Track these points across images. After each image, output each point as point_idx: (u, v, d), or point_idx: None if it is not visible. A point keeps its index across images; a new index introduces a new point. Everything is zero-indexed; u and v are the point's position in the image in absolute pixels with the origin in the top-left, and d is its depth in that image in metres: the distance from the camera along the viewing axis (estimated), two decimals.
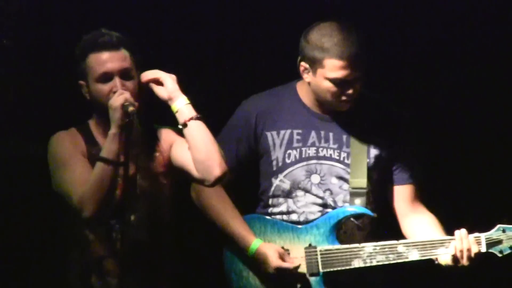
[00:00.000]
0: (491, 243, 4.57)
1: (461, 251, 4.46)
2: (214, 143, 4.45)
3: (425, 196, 4.85)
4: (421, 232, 4.67)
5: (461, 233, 4.48)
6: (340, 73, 4.47)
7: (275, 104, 4.71)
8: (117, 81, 4.46)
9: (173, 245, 4.66)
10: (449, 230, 4.62)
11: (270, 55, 5.90)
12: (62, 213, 4.65)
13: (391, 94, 5.23)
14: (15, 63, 6.10)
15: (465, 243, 4.47)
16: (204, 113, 4.47)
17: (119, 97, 4.37)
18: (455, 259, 4.46)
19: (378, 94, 4.72)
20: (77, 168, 4.52)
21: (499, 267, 5.46)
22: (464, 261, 4.46)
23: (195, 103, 4.49)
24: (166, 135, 4.63)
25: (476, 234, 4.49)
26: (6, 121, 6.14)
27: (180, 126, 4.48)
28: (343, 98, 4.51)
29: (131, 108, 4.34)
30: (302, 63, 4.53)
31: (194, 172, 4.48)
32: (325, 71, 4.49)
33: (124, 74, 4.47)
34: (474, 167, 6.11)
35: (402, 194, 4.76)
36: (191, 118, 4.48)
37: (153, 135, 4.65)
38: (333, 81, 4.48)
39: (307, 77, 4.53)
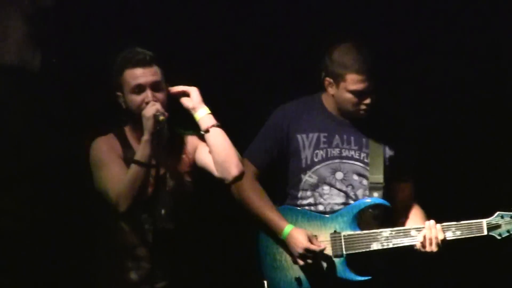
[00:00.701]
0: (491, 227, 4.65)
1: (430, 239, 4.62)
2: (231, 147, 4.68)
3: (423, 192, 4.98)
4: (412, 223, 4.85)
5: (429, 223, 4.65)
6: (359, 86, 4.70)
7: (304, 111, 4.88)
8: (148, 92, 4.60)
9: (195, 234, 4.78)
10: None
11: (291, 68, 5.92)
12: (102, 208, 4.76)
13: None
14: (62, 78, 6.17)
15: (433, 232, 4.62)
16: (225, 120, 4.65)
17: (151, 107, 4.52)
18: (423, 245, 4.64)
19: (388, 103, 4.95)
20: (114, 169, 4.65)
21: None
22: (433, 247, 4.64)
23: (218, 111, 4.67)
24: (191, 140, 4.77)
25: (444, 224, 4.66)
26: (54, 126, 6.13)
27: (202, 132, 4.68)
28: (362, 107, 4.72)
29: (161, 118, 4.49)
30: (327, 79, 4.77)
31: (215, 172, 4.69)
32: (346, 85, 4.71)
33: (155, 87, 4.62)
34: (473, 166, 6.13)
35: (400, 190, 4.92)
36: (212, 126, 4.69)
37: (180, 140, 4.79)
38: (353, 92, 4.71)
39: (331, 90, 4.77)
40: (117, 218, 4.67)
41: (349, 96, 4.70)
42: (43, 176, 6.04)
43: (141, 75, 4.62)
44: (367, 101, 4.70)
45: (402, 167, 4.86)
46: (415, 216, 4.86)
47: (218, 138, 4.68)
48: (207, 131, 4.68)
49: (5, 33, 6.23)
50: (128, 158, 4.64)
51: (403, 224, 4.81)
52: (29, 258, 5.95)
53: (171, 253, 4.69)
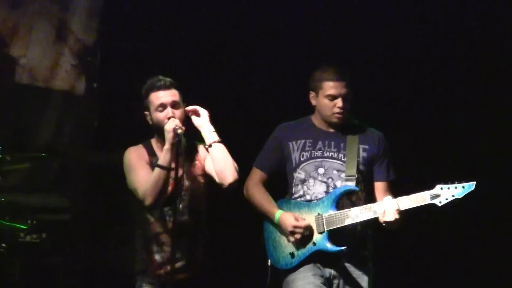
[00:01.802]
0: (433, 196, 4.84)
1: (389, 210, 4.79)
2: (228, 159, 4.79)
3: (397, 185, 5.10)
4: None
5: (387, 198, 4.85)
6: (333, 91, 4.96)
7: (296, 125, 5.11)
8: (169, 110, 4.76)
9: (206, 224, 4.88)
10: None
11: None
12: (131, 203, 4.85)
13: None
14: (101, 100, 6.41)
15: (391, 204, 4.80)
16: (229, 136, 4.81)
17: (172, 123, 4.68)
18: (384, 216, 4.81)
19: (359, 120, 5.10)
20: (142, 172, 4.78)
21: None
22: (391, 216, 4.77)
23: (221, 129, 4.83)
24: (202, 149, 4.91)
25: (398, 198, 4.84)
26: (95, 138, 6.44)
27: (206, 146, 4.81)
28: (336, 110, 4.99)
29: (179, 131, 4.65)
30: (310, 93, 5.05)
31: (216, 178, 4.81)
32: (324, 91, 4.98)
33: (174, 105, 4.78)
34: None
35: (378, 187, 5.05)
36: (214, 142, 4.78)
37: (194, 148, 4.93)
38: (329, 96, 4.97)
39: (314, 101, 5.05)
40: (145, 211, 4.77)
41: (326, 101, 4.98)
42: (90, 178, 6.37)
43: (163, 96, 4.75)
44: (340, 104, 4.98)
45: (375, 170, 5.04)
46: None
47: (219, 152, 4.76)
48: (210, 146, 4.78)
49: (57, 64, 6.29)
50: (153, 163, 4.76)
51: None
52: (81, 244, 6.25)
53: (188, 239, 4.76)
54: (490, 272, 6.19)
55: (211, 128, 4.78)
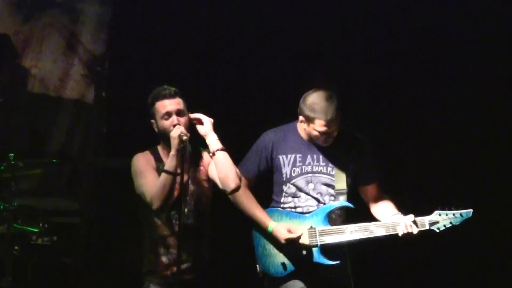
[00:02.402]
0: (431, 223, 4.87)
1: (406, 233, 4.84)
2: (231, 166, 4.82)
3: (387, 189, 5.10)
4: (385, 214, 5.01)
5: (405, 220, 4.86)
6: (324, 129, 4.96)
7: (284, 137, 5.09)
8: (174, 118, 4.80)
9: (210, 226, 4.91)
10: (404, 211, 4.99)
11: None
12: (139, 207, 4.89)
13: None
14: (110, 108, 6.48)
15: (409, 229, 4.83)
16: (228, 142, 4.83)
17: (177, 130, 4.72)
18: (402, 236, 4.88)
19: (347, 127, 5.08)
20: (149, 177, 4.81)
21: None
22: (409, 236, 4.83)
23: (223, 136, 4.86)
24: (207, 155, 4.94)
25: (421, 218, 4.86)
26: (104, 145, 6.54)
27: (210, 154, 4.85)
28: (325, 141, 5.02)
29: (184, 137, 4.69)
30: (300, 117, 5.03)
31: (219, 184, 4.86)
32: (315, 126, 4.97)
33: (179, 113, 4.81)
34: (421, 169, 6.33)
35: (369, 190, 5.09)
36: (218, 150, 4.81)
37: (199, 154, 4.96)
38: (319, 132, 4.99)
39: (304, 125, 5.04)
40: (152, 215, 4.80)
41: (316, 133, 4.99)
42: (100, 183, 6.43)
43: (168, 104, 4.78)
44: (329, 140, 5.00)
45: (364, 175, 5.07)
46: (383, 211, 5.04)
47: (222, 160, 4.77)
48: (213, 154, 4.80)
49: (68, 74, 6.37)
50: (159, 169, 4.79)
51: (375, 216, 5.06)
52: (91, 245, 6.31)
53: (194, 241, 4.79)
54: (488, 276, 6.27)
55: (214, 136, 4.79)
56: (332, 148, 5.00)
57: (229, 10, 6.35)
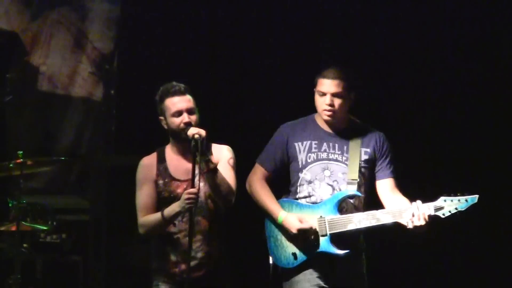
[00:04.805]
0: (436, 209, 4.79)
1: (418, 215, 4.75)
2: (222, 186, 4.69)
3: (401, 186, 5.04)
4: (395, 205, 4.90)
5: (417, 203, 4.81)
6: (323, 87, 4.91)
7: (300, 127, 5.03)
8: (185, 116, 4.71)
9: (223, 223, 4.83)
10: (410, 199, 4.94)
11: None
12: None
13: None
14: (118, 106, 6.45)
15: (420, 209, 4.77)
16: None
17: (193, 130, 4.59)
18: (412, 221, 4.77)
19: (361, 121, 5.05)
20: (143, 194, 4.77)
21: None
22: (420, 221, 4.74)
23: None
24: (217, 151, 4.82)
25: (427, 203, 4.80)
26: (112, 142, 6.52)
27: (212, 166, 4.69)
28: (323, 107, 4.92)
29: (196, 136, 4.58)
30: (315, 90, 4.97)
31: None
32: (317, 87, 4.94)
33: (189, 111, 4.73)
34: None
35: (384, 185, 5.00)
36: (207, 170, 4.67)
37: (209, 150, 4.79)
38: (319, 92, 4.93)
39: (316, 97, 4.96)
40: None
41: (317, 96, 4.95)
42: (108, 181, 6.38)
43: (178, 102, 4.70)
44: (327, 101, 4.91)
45: (378, 169, 4.98)
46: (395, 203, 4.94)
47: (212, 181, 4.68)
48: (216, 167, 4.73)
49: (76, 72, 6.34)
50: (159, 171, 4.75)
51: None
52: (100, 243, 6.25)
53: (203, 239, 4.72)
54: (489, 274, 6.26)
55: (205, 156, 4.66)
56: (348, 138, 4.95)
57: (242, 6, 6.33)
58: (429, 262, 6.32)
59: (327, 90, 4.88)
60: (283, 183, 5.02)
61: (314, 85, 4.95)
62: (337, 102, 4.90)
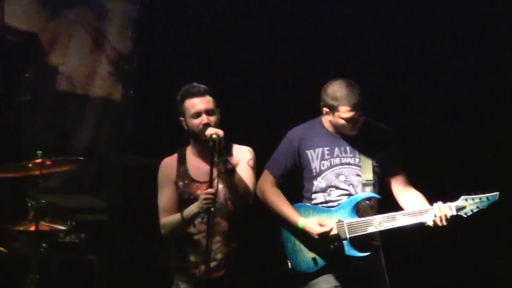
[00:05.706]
0: (458, 209, 4.77)
1: (440, 217, 4.74)
2: (240, 187, 4.68)
3: (412, 180, 5.00)
4: (412, 204, 4.91)
5: (438, 204, 4.79)
6: (349, 114, 4.89)
7: (310, 132, 5.01)
8: (204, 117, 4.71)
9: (243, 225, 4.83)
10: (430, 202, 4.88)
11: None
12: None
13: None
14: (137, 106, 6.41)
15: (442, 210, 4.76)
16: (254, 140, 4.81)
17: (211, 130, 4.60)
18: (435, 222, 4.77)
19: (370, 118, 5.03)
20: (164, 196, 4.79)
21: None
22: (443, 222, 4.74)
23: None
24: (236, 151, 4.83)
25: (448, 203, 4.79)
26: (130, 142, 6.47)
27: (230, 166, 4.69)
28: (352, 128, 4.94)
29: (214, 136, 4.58)
30: (324, 109, 4.96)
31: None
32: (340, 114, 4.91)
33: (209, 112, 4.73)
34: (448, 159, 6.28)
35: (397, 180, 4.98)
36: (225, 171, 4.67)
37: (229, 150, 4.80)
38: (345, 119, 4.91)
39: (328, 116, 4.97)
40: None
41: (342, 122, 4.93)
42: (126, 180, 6.38)
43: (198, 103, 4.71)
44: (356, 124, 4.94)
45: (389, 165, 4.98)
46: (412, 200, 4.94)
47: (230, 183, 4.67)
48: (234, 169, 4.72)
49: (95, 72, 6.35)
50: (179, 172, 4.76)
51: (403, 206, 4.94)
52: (118, 242, 6.28)
53: (222, 239, 4.72)
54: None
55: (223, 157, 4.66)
56: (358, 139, 4.94)
57: (263, 7, 6.30)
58: (442, 258, 6.27)
59: (352, 116, 4.86)
60: (289, 187, 5.00)
61: (327, 105, 4.85)
62: (360, 119, 4.91)
